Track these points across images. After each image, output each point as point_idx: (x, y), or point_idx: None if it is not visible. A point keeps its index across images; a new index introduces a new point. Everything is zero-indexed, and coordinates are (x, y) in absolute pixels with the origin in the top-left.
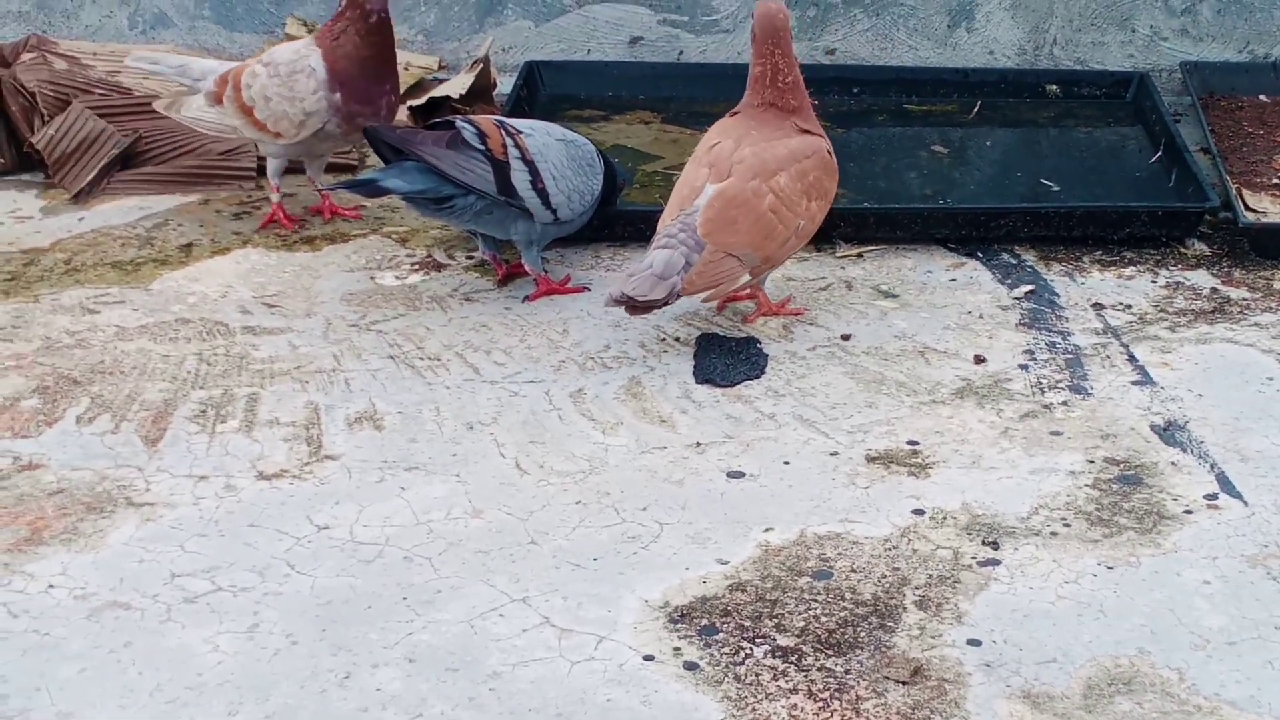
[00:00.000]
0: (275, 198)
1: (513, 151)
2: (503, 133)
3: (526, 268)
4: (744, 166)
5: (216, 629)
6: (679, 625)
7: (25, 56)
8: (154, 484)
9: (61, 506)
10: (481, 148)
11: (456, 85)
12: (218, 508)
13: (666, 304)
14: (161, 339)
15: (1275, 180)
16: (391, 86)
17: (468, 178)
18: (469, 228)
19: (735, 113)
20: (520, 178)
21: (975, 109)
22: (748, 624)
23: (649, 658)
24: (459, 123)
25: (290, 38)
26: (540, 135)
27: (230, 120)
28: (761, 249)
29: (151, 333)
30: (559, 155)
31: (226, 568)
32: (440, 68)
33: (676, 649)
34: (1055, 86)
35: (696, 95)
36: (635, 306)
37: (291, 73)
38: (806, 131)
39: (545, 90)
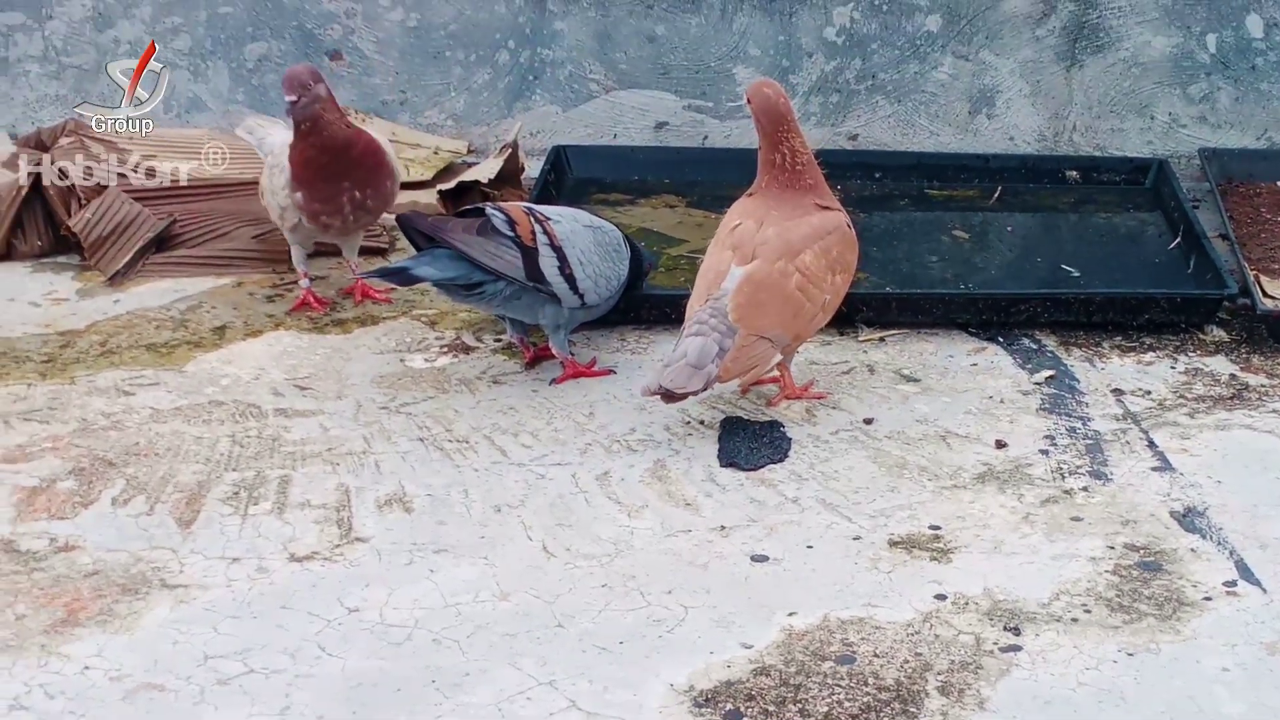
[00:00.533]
0: (304, 283)
1: (541, 238)
2: (531, 220)
3: (554, 351)
4: (769, 248)
5: (249, 711)
6: (704, 710)
7: (63, 140)
8: (188, 566)
9: (97, 588)
10: (511, 234)
11: (485, 170)
12: (250, 589)
13: (704, 391)
14: (195, 421)
15: None
16: (351, 183)
17: (497, 264)
18: (498, 312)
19: (751, 193)
20: (549, 264)
21: (996, 194)
22: (772, 709)
23: None
24: (489, 210)
25: None
26: (568, 222)
27: (264, 201)
28: (791, 328)
29: (185, 415)
30: (586, 241)
31: (259, 650)
32: (469, 151)
33: None
34: (1075, 172)
35: (721, 179)
36: (672, 396)
37: (272, 167)
38: (825, 208)
39: (572, 174)
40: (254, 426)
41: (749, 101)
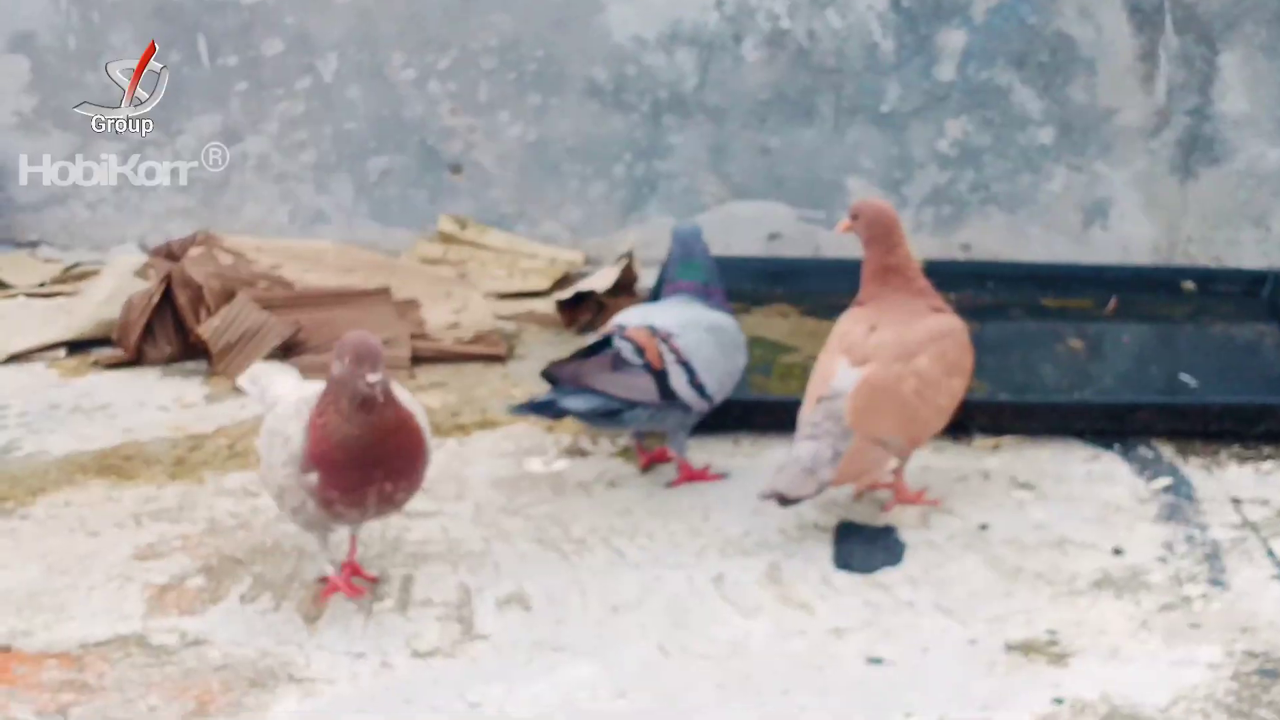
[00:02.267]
0: (330, 569)
1: (669, 356)
2: (657, 340)
3: (671, 454)
4: (885, 350)
5: None
6: None
7: (193, 251)
8: (314, 661)
9: (226, 682)
10: (641, 361)
11: (601, 280)
12: (374, 683)
13: (817, 495)
14: None
15: None
16: (385, 473)
17: (634, 395)
18: (635, 429)
19: (861, 302)
20: (679, 380)
21: (1111, 304)
22: None
23: None
24: (616, 341)
25: (443, 235)
26: (690, 331)
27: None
28: (907, 432)
29: None
30: (710, 348)
31: None
32: (585, 262)
33: None
34: (1191, 283)
35: (834, 288)
36: (785, 500)
37: (271, 433)
38: (939, 310)
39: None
40: (376, 527)
41: (855, 217)
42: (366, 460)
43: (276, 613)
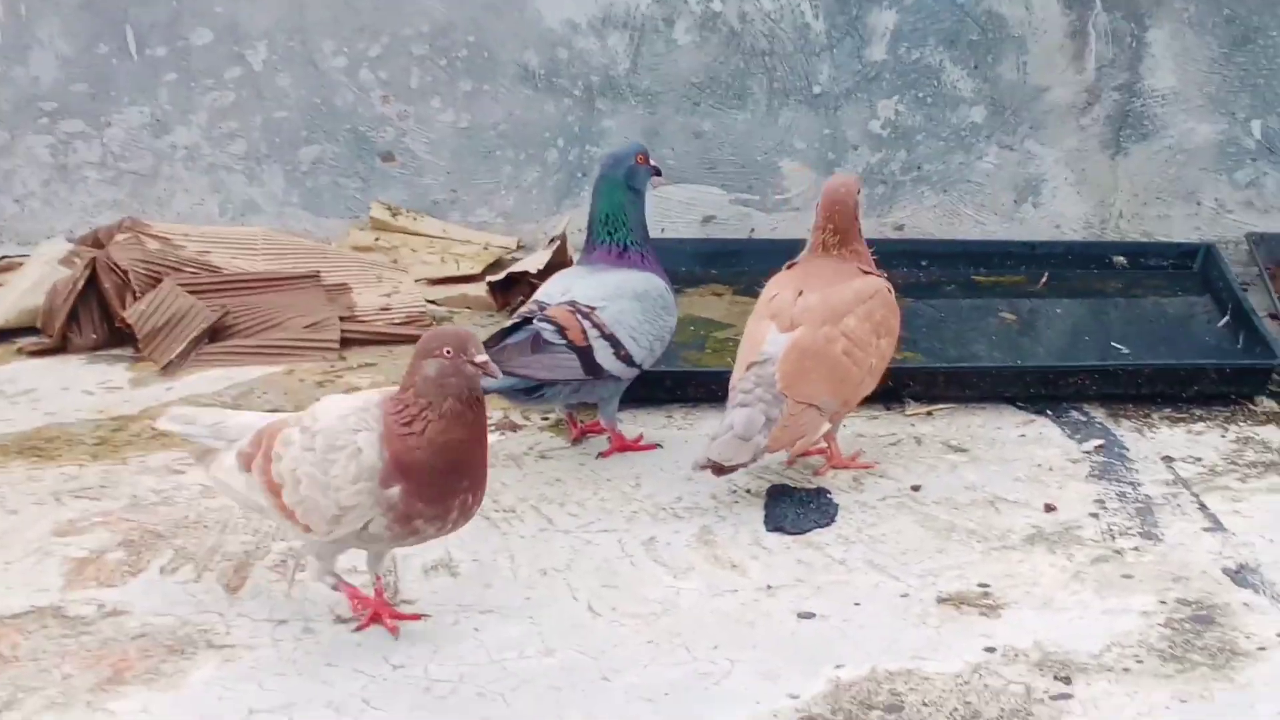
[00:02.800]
0: (342, 595)
1: (592, 333)
2: (578, 318)
3: (603, 424)
4: (812, 314)
5: None
6: None
7: (119, 237)
8: (234, 628)
9: (144, 649)
10: (563, 342)
11: (534, 262)
12: (296, 649)
13: (753, 463)
14: None
15: None
16: (472, 482)
17: (558, 375)
18: (561, 403)
19: (793, 264)
20: (604, 354)
21: (1043, 280)
22: None
23: None
24: (536, 324)
25: (375, 223)
26: (614, 302)
27: (257, 497)
28: (839, 394)
29: None
30: (635, 316)
31: (303, 704)
32: (519, 247)
33: None
34: (1122, 258)
35: (769, 268)
36: (721, 469)
37: (329, 448)
38: (866, 273)
39: None
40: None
41: (823, 200)
42: (458, 468)
43: (197, 583)
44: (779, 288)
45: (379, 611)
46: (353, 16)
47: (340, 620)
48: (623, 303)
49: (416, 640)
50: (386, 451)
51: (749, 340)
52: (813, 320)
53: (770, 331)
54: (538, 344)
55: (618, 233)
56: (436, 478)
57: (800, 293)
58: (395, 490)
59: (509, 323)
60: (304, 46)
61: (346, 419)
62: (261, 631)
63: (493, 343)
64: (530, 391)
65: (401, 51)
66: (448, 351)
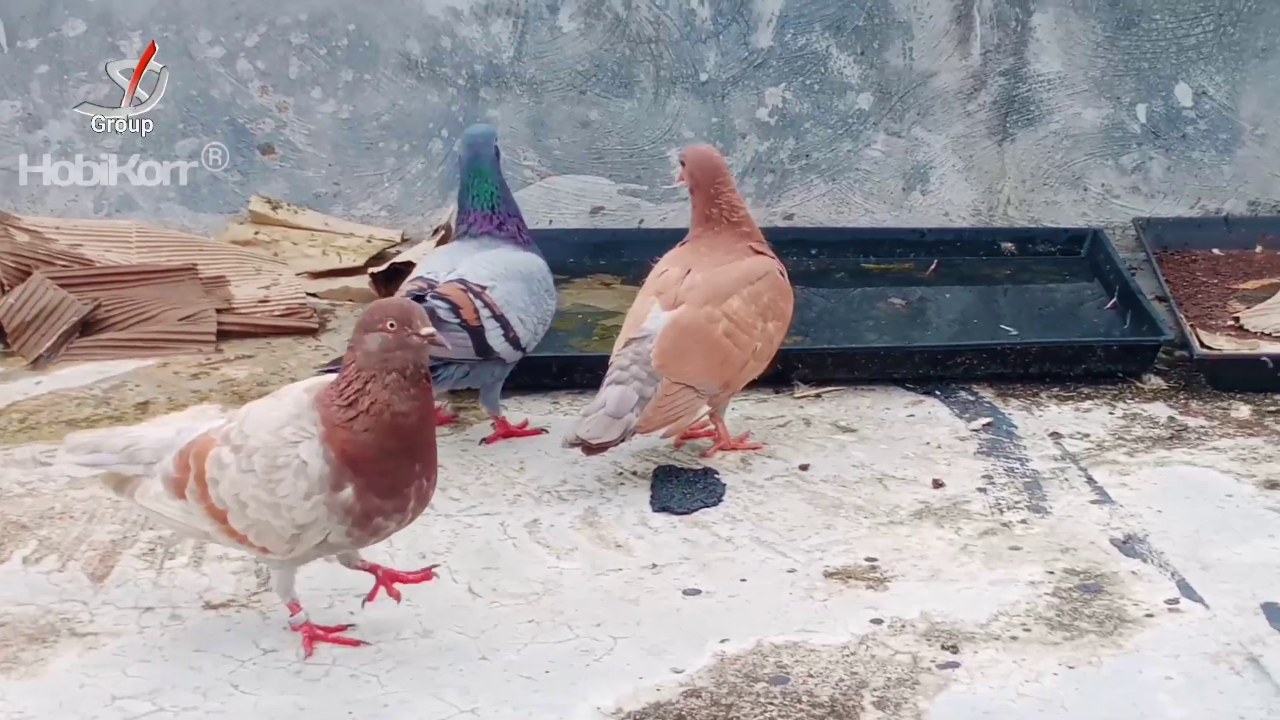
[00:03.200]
0: (299, 618)
1: (484, 313)
2: (470, 297)
3: (486, 410)
4: (695, 292)
5: None
6: None
7: None
8: (99, 616)
9: (3, 639)
10: (457, 320)
11: (418, 252)
12: (162, 635)
13: (622, 442)
14: None
15: (1230, 323)
16: (424, 465)
17: (454, 354)
18: (448, 389)
19: (683, 243)
20: (495, 336)
21: (932, 267)
22: None
23: None
24: (430, 300)
25: (254, 216)
26: (504, 283)
27: (198, 523)
28: (720, 376)
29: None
30: (523, 298)
31: (169, 689)
32: (403, 240)
33: None
34: (1010, 244)
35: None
36: (590, 447)
37: (271, 468)
38: (759, 252)
39: None
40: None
41: (683, 162)
42: (409, 450)
43: (61, 573)
44: (669, 264)
45: (393, 577)
46: (229, 5)
47: (210, 606)
48: (511, 284)
49: (288, 624)
50: (331, 450)
51: (632, 316)
52: (695, 299)
53: (653, 308)
54: (432, 318)
55: (493, 199)
56: (387, 464)
57: (689, 270)
58: (348, 491)
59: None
60: (179, 37)
61: (282, 431)
62: (127, 619)
63: None
64: None
65: (280, 41)
66: (391, 325)
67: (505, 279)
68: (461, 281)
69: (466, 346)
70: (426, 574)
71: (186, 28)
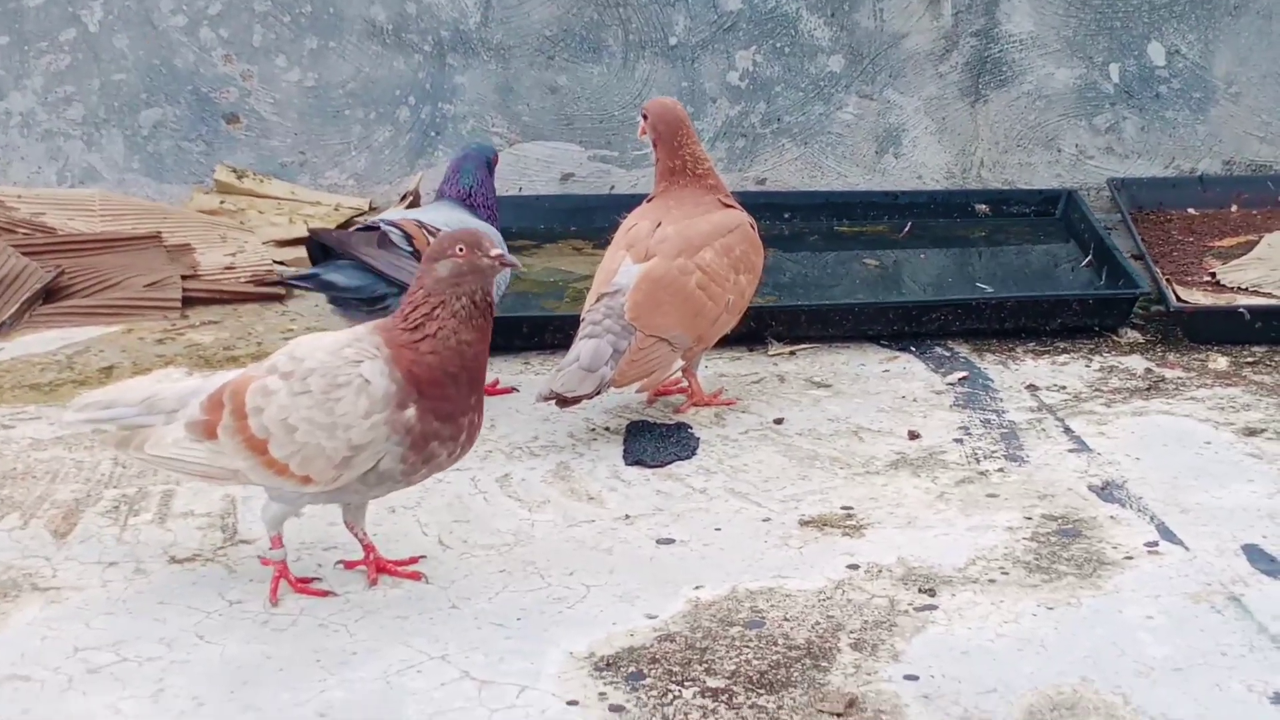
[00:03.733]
0: (277, 553)
1: None
2: (424, 232)
3: None
4: (668, 245)
5: (120, 695)
6: (605, 673)
7: None
8: (61, 571)
9: None
10: (409, 249)
11: (387, 216)
12: (127, 589)
13: (597, 395)
14: (76, 448)
15: (1206, 279)
16: (477, 400)
17: (401, 275)
18: None
19: (650, 198)
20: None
21: (906, 229)
22: (676, 669)
23: (573, 703)
24: (384, 226)
25: (220, 185)
26: (446, 222)
27: (229, 461)
28: (693, 329)
29: (66, 443)
30: None
31: (133, 640)
32: (370, 209)
33: (602, 694)
34: (985, 206)
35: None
36: (564, 401)
37: (331, 386)
38: (728, 206)
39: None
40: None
41: (645, 116)
42: (469, 378)
43: (24, 530)
44: (639, 218)
45: (380, 564)
46: None
47: (175, 561)
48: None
49: (256, 578)
50: (397, 370)
51: (603, 271)
52: (667, 251)
53: (624, 262)
54: (383, 242)
55: (471, 186)
56: (449, 388)
57: (659, 224)
58: (411, 411)
59: (358, 228)
60: (141, 5)
61: (343, 351)
62: (90, 574)
63: (338, 241)
64: (372, 302)
65: (243, 9)
66: (460, 249)
67: (459, 227)
68: (417, 222)
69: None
70: (415, 575)
71: None
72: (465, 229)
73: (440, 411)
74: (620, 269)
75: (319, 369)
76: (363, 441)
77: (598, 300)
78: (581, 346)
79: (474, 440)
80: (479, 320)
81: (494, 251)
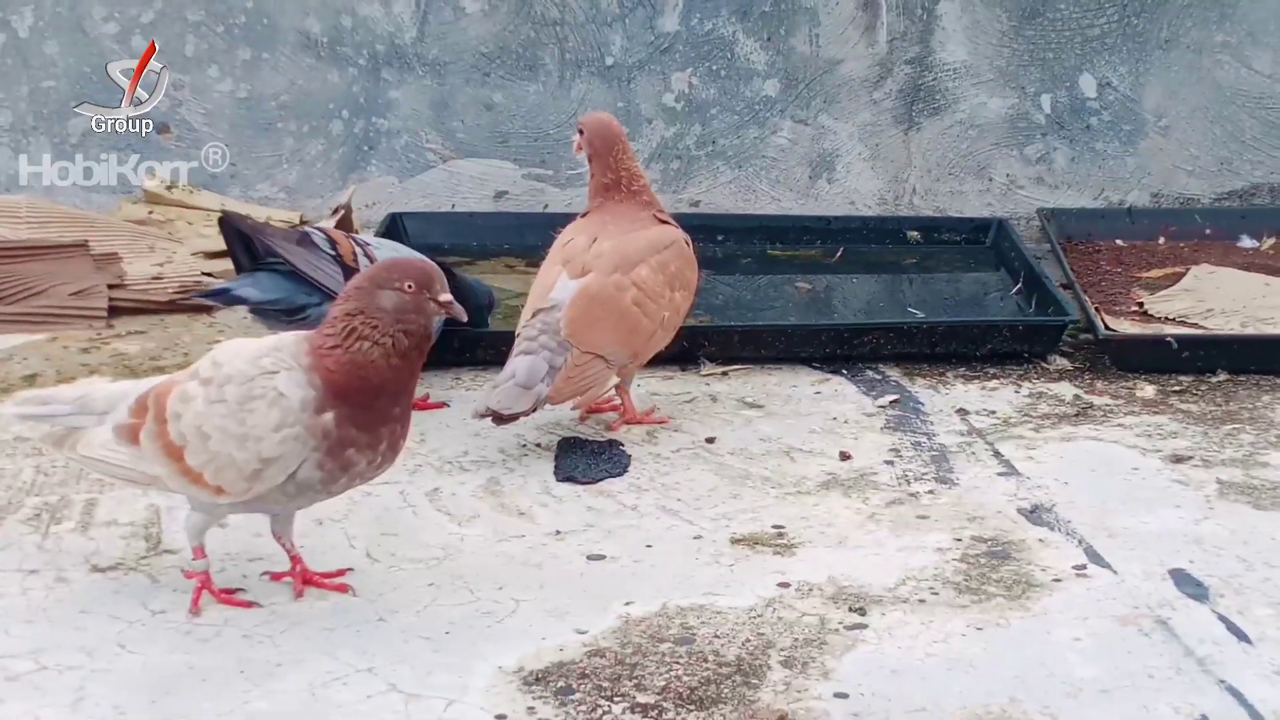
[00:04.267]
0: (200, 564)
1: (363, 260)
2: (353, 242)
3: None
4: (604, 260)
5: (39, 704)
6: (534, 687)
7: None
8: None
9: None
10: (332, 253)
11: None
12: (47, 597)
13: (534, 412)
14: None
15: (1134, 309)
16: (401, 412)
17: (319, 276)
18: None
19: (585, 213)
20: None
21: (838, 254)
22: (606, 685)
23: (501, 717)
24: (308, 229)
25: (149, 195)
26: (388, 249)
27: (149, 466)
28: (629, 345)
29: None
30: None
31: (53, 649)
32: (301, 223)
33: (530, 708)
34: (916, 232)
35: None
36: (500, 418)
37: (246, 398)
38: (664, 222)
39: (409, 241)
40: (61, 458)
41: (581, 130)
42: (392, 393)
43: None
44: (574, 233)
45: (306, 576)
46: None
47: (97, 570)
48: (392, 249)
49: (179, 588)
50: (317, 377)
51: (538, 286)
52: (604, 267)
53: (560, 277)
54: (304, 241)
55: None
56: (371, 399)
57: (595, 239)
58: (329, 416)
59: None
60: (73, 12)
61: (260, 361)
62: (10, 581)
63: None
64: (291, 313)
65: (176, 18)
66: (409, 286)
67: (393, 251)
68: (348, 234)
69: (338, 280)
70: (342, 587)
71: (80, 2)
72: (416, 261)
73: (359, 420)
74: (556, 284)
75: (235, 377)
76: (272, 455)
77: (533, 316)
78: (517, 363)
79: (397, 451)
80: (414, 353)
81: (443, 297)
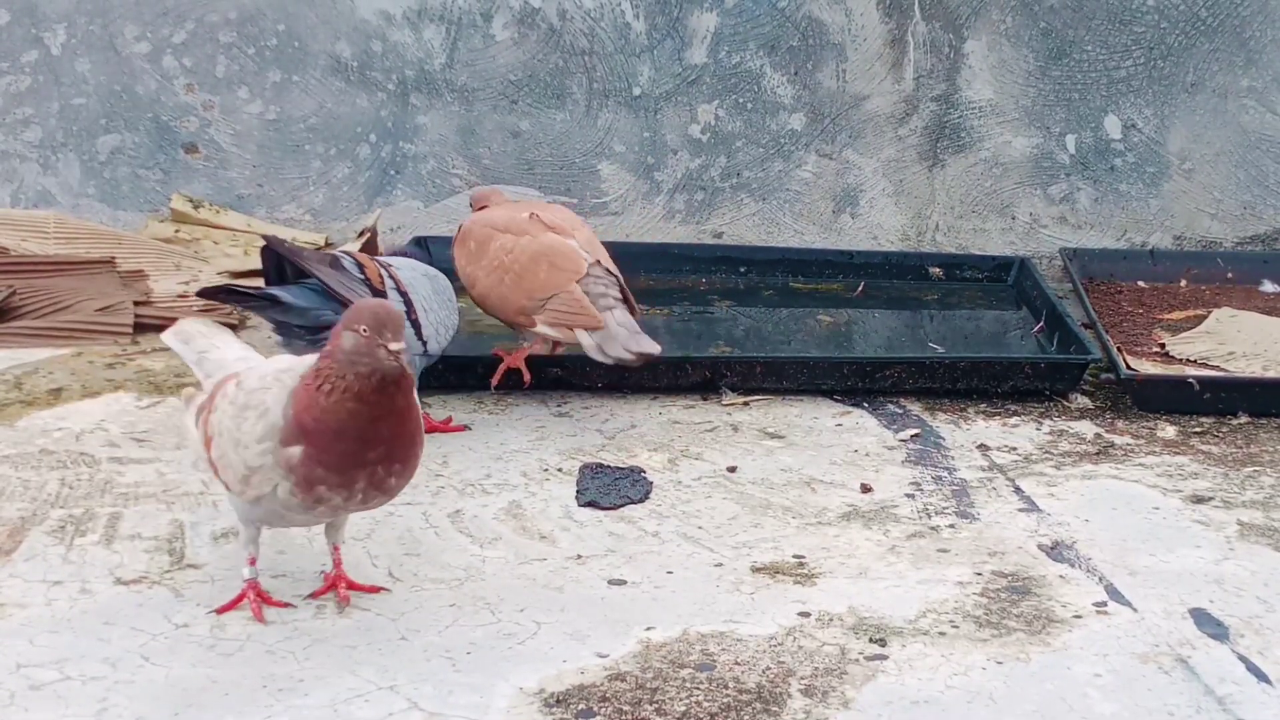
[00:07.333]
0: (247, 572)
1: (389, 283)
2: (378, 265)
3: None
4: (571, 221)
5: (62, 712)
6: (554, 709)
7: None
8: (4, 588)
9: None
10: (360, 276)
11: (344, 250)
12: (71, 608)
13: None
14: (23, 466)
15: (1155, 350)
16: (381, 454)
17: (350, 297)
18: None
19: (476, 216)
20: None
21: (860, 289)
22: (627, 708)
23: None
24: (337, 253)
25: (176, 214)
26: (408, 270)
27: (198, 447)
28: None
29: (13, 461)
30: (427, 289)
31: (77, 659)
32: (326, 245)
33: None
34: (938, 269)
35: None
36: (652, 360)
37: (245, 406)
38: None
39: (433, 264)
40: (86, 472)
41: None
42: (362, 440)
43: None
44: (509, 222)
45: (338, 580)
46: (157, 0)
47: (121, 582)
48: (416, 275)
49: (204, 603)
50: (290, 410)
51: (560, 253)
52: (576, 224)
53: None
54: (335, 264)
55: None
56: (337, 443)
57: (531, 215)
58: (295, 450)
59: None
60: (105, 30)
61: (265, 378)
62: (35, 592)
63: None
64: (317, 330)
65: (208, 39)
66: (364, 330)
67: (411, 270)
68: (373, 257)
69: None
70: (375, 588)
71: (113, 22)
72: (374, 305)
73: (326, 461)
74: (574, 245)
75: (248, 385)
76: (254, 464)
77: (598, 272)
78: (618, 315)
79: (386, 491)
80: (371, 398)
81: (392, 345)
